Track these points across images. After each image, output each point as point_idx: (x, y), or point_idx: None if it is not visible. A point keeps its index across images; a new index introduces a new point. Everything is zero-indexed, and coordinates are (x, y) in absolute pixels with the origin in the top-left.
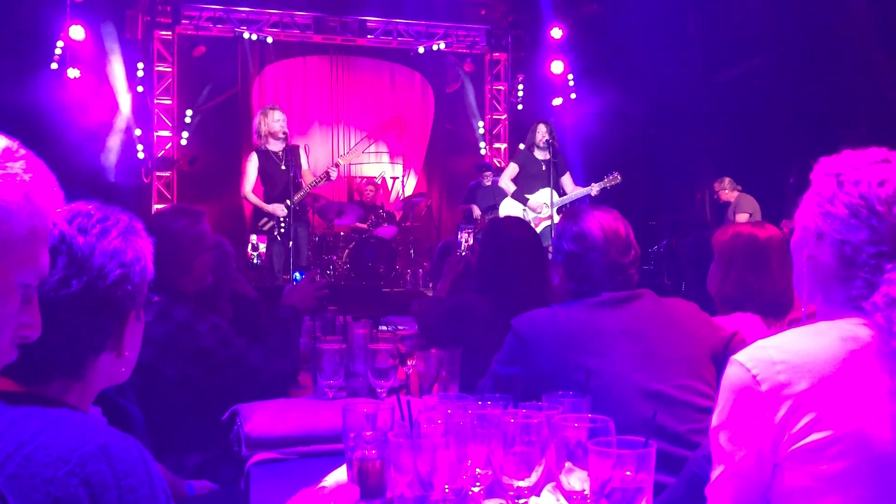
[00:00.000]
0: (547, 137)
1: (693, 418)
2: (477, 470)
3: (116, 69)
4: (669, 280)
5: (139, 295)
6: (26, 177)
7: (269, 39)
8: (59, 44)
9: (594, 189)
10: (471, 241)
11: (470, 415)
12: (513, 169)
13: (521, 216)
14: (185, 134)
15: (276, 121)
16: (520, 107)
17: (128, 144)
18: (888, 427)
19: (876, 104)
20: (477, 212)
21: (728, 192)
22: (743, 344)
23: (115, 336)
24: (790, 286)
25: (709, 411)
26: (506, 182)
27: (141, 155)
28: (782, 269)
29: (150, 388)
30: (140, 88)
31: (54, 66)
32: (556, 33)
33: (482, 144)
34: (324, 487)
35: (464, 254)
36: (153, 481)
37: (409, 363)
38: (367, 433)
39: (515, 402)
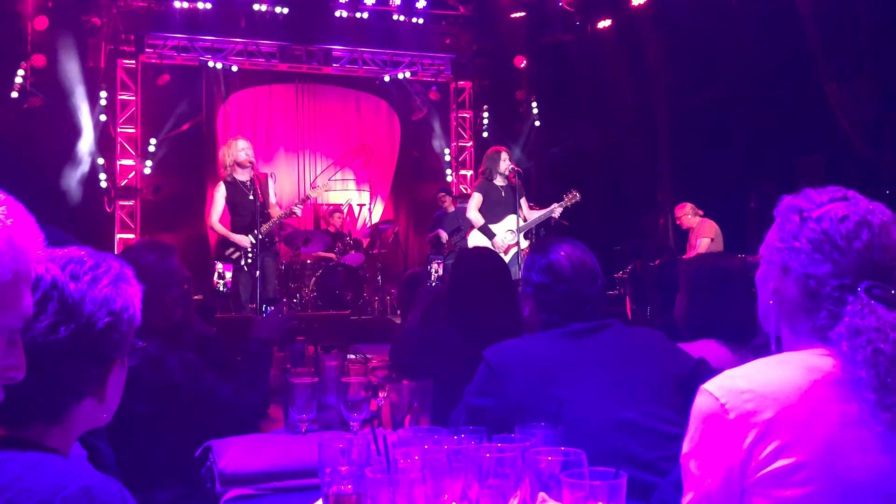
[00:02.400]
0: (511, 165)
1: (662, 445)
2: (453, 503)
3: (79, 98)
4: (634, 305)
5: (126, 343)
6: (7, 222)
7: (234, 68)
8: (21, 72)
9: (556, 211)
10: (441, 272)
11: (445, 449)
12: (478, 199)
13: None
14: (148, 162)
15: (241, 149)
16: (485, 134)
17: (90, 173)
18: (852, 453)
19: (830, 132)
20: (444, 236)
21: (690, 217)
22: (709, 371)
23: (99, 382)
24: (752, 313)
25: (677, 438)
26: (474, 214)
27: (104, 184)
28: (745, 296)
29: (120, 425)
30: (103, 117)
31: (15, 94)
32: (520, 62)
33: (448, 171)
34: None
35: (434, 284)
36: None
37: (380, 395)
38: (343, 468)
39: (489, 433)
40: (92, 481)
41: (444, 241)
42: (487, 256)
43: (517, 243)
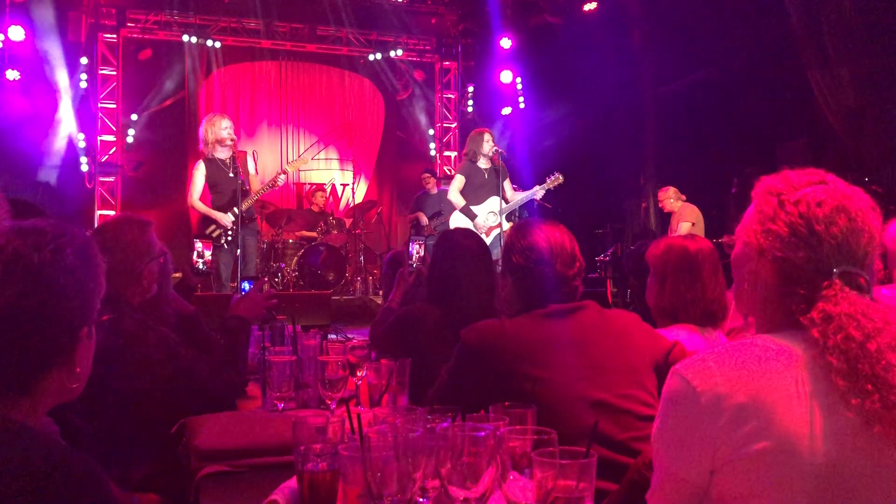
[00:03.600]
0: (495, 146)
1: (634, 426)
2: (425, 481)
3: (58, 71)
4: (615, 288)
5: (91, 312)
6: None
7: (218, 44)
8: None
9: (539, 193)
10: (422, 252)
11: (419, 427)
12: (460, 181)
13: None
14: (129, 139)
15: (223, 128)
16: (469, 111)
17: (70, 149)
18: (819, 438)
19: (812, 118)
20: (424, 219)
21: (672, 201)
22: (683, 354)
23: (66, 353)
24: (722, 295)
25: (649, 419)
26: (455, 195)
27: (84, 160)
28: (714, 279)
29: (96, 400)
30: (83, 84)
31: None
32: (506, 43)
33: (433, 152)
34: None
35: (415, 264)
36: (105, 497)
37: (358, 374)
38: (317, 446)
39: (464, 412)
40: (62, 454)
41: (424, 225)
42: (469, 237)
43: (500, 225)
